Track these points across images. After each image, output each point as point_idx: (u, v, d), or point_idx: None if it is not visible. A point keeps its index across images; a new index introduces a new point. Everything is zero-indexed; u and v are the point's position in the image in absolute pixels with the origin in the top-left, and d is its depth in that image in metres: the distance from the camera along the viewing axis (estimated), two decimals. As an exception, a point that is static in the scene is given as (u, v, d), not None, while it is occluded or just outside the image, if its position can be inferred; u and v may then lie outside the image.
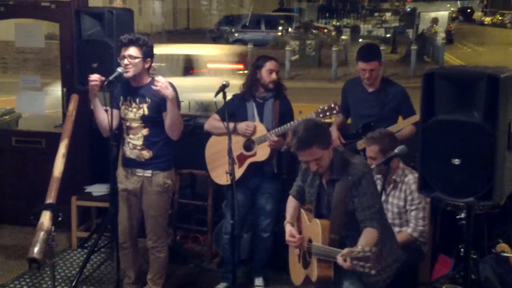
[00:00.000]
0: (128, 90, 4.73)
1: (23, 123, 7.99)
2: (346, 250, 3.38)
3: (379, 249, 3.60)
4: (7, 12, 6.38)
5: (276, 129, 4.93)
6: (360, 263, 3.31)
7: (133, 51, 4.56)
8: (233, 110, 4.99)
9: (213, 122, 5.16)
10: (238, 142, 5.00)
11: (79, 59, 5.47)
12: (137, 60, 4.58)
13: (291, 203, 4.18)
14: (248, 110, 5.07)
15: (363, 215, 3.63)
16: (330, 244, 3.67)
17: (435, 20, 25.23)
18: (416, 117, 4.79)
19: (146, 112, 4.65)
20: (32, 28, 6.46)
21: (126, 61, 4.57)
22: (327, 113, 4.72)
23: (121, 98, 4.76)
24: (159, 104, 4.61)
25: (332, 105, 4.70)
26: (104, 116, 4.77)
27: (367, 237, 3.57)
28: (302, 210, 4.10)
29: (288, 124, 4.90)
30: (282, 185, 5.26)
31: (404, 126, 4.89)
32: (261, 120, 5.05)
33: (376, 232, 3.60)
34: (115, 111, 4.73)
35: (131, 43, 4.57)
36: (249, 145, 5.02)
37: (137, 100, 4.68)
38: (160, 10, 36.31)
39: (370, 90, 5.08)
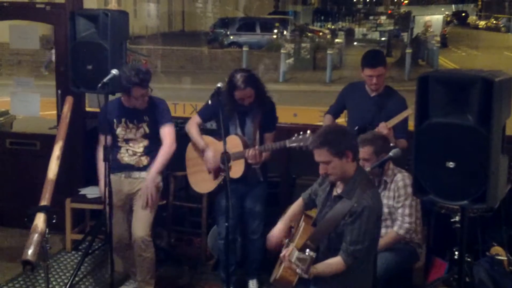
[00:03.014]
0: (123, 112, 4.84)
1: (17, 125, 7.98)
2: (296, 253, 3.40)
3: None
4: (1, 14, 6.35)
5: (263, 146, 4.84)
6: (299, 264, 3.37)
7: (146, 89, 4.72)
8: (216, 113, 4.88)
9: (191, 130, 5.09)
10: (216, 152, 4.94)
11: (73, 61, 5.46)
12: (147, 96, 4.77)
13: (297, 205, 4.10)
14: (231, 120, 4.95)
15: (345, 247, 3.55)
16: (303, 248, 3.60)
17: (427, 24, 25.35)
18: (408, 111, 4.79)
19: (147, 130, 4.86)
20: (27, 30, 6.45)
21: (146, 99, 4.78)
22: (301, 143, 4.53)
23: (115, 121, 4.85)
24: (156, 119, 4.82)
25: (307, 135, 4.52)
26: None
27: (330, 264, 3.56)
28: (303, 215, 4.03)
29: (271, 144, 4.83)
30: (269, 188, 5.25)
31: (395, 123, 4.85)
32: (243, 131, 4.95)
33: (342, 265, 3.54)
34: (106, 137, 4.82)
35: (147, 84, 4.73)
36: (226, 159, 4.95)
37: (135, 121, 4.81)
38: (155, 13, 36.31)
39: (373, 94, 5.06)
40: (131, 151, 4.89)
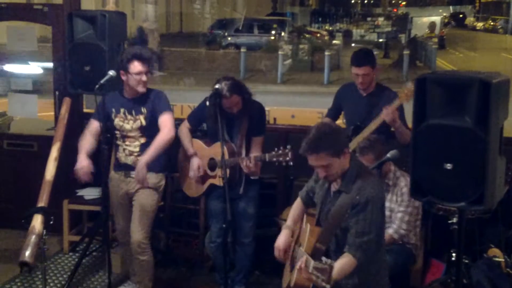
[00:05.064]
0: (121, 102, 4.78)
1: (15, 126, 7.97)
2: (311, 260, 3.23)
3: (357, 281, 3.53)
4: (-1, 15, 6.36)
5: (255, 156, 4.75)
6: (318, 274, 3.15)
7: (145, 67, 4.66)
8: (204, 119, 4.93)
9: (182, 136, 5.05)
10: (204, 158, 4.95)
11: (71, 62, 5.46)
12: (146, 76, 4.68)
13: (297, 206, 4.00)
14: (218, 126, 4.81)
15: (352, 240, 3.41)
16: (314, 252, 3.51)
17: (432, 26, 25.33)
18: (398, 102, 4.77)
19: (144, 123, 4.74)
20: (25, 31, 6.43)
21: (144, 78, 4.67)
22: (280, 158, 4.50)
23: (113, 110, 4.80)
24: (155, 114, 4.73)
25: (286, 151, 4.47)
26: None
27: (341, 264, 3.38)
28: (305, 214, 3.97)
29: (262, 155, 4.76)
30: (267, 189, 5.23)
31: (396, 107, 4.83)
32: (231, 138, 4.89)
33: (353, 263, 3.40)
34: (98, 124, 4.82)
35: (145, 60, 4.66)
36: (213, 165, 4.93)
37: (133, 111, 4.75)
38: (153, 14, 36.29)
39: (364, 94, 5.08)
40: (128, 151, 4.81)
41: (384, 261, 3.75)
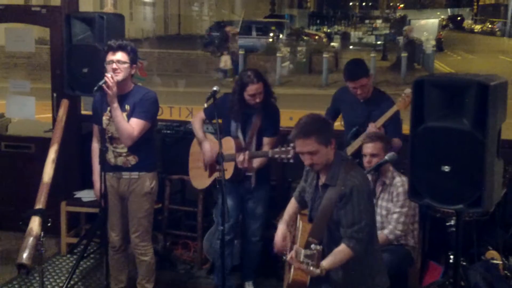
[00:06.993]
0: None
1: (12, 128, 7.96)
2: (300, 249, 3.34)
3: (354, 269, 3.57)
4: (-3, 17, 6.35)
5: (250, 153, 4.87)
6: (308, 261, 3.26)
7: (121, 56, 4.57)
8: (221, 112, 4.94)
9: (194, 124, 5.20)
10: (213, 151, 5.01)
11: (69, 64, 5.45)
12: (125, 65, 4.58)
13: (291, 205, 4.05)
14: (232, 124, 5.02)
15: (344, 231, 3.49)
16: (306, 246, 3.52)
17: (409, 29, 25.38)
18: (394, 108, 4.82)
19: (126, 121, 4.63)
20: (23, 33, 6.44)
21: (114, 66, 4.55)
22: (282, 155, 4.60)
23: (102, 109, 4.72)
24: (134, 109, 4.66)
25: (289, 148, 4.56)
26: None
27: (336, 254, 3.47)
28: (299, 215, 4.02)
29: (256, 152, 4.91)
30: (271, 191, 5.26)
31: (384, 121, 4.87)
32: (244, 134, 5.01)
33: (347, 251, 3.47)
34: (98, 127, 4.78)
35: (120, 48, 4.57)
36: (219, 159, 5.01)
37: None
38: (151, 16, 36.36)
39: (362, 100, 5.10)
40: (116, 152, 4.74)
41: (379, 256, 3.80)
